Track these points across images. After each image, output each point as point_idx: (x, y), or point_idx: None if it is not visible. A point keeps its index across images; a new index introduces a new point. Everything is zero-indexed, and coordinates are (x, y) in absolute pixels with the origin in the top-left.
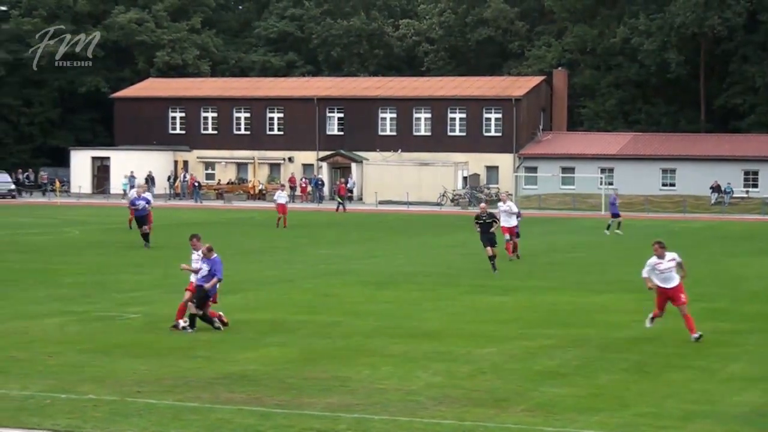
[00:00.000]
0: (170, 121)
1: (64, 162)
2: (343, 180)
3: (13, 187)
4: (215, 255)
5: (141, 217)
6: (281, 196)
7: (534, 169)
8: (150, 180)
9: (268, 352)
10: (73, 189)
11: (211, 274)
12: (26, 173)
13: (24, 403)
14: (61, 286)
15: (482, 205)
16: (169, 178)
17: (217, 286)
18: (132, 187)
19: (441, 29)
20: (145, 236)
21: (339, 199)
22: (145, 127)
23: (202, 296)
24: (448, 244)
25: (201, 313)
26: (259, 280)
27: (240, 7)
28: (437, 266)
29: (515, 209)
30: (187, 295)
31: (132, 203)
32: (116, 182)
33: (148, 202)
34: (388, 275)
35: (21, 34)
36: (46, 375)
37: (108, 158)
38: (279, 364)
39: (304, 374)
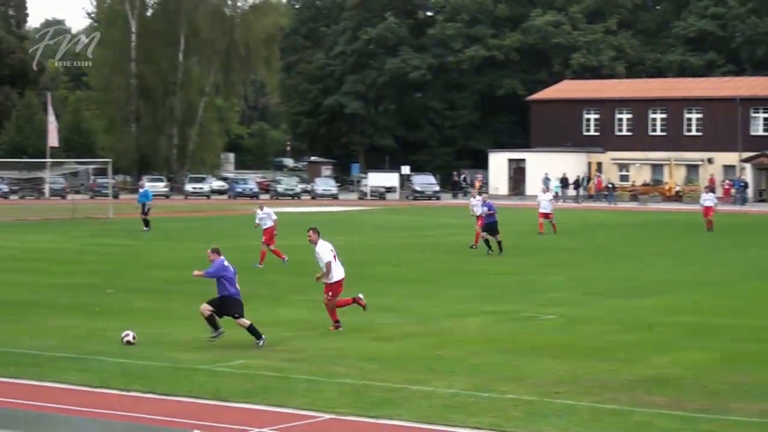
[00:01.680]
0: (584, 122)
1: (483, 164)
2: None
3: (438, 188)
4: (219, 258)
5: (490, 224)
6: (708, 199)
7: None
8: (564, 182)
9: (687, 356)
10: (491, 190)
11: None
12: (463, 175)
13: (449, 400)
14: (484, 286)
15: None
16: (580, 179)
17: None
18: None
19: None
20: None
21: None
22: (560, 129)
23: (229, 305)
24: None
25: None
26: (678, 282)
27: (657, 8)
28: None
29: None
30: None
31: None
32: (532, 184)
33: (490, 208)
34: None
35: (445, 39)
36: (469, 373)
37: (523, 160)
38: (700, 368)
39: (727, 379)
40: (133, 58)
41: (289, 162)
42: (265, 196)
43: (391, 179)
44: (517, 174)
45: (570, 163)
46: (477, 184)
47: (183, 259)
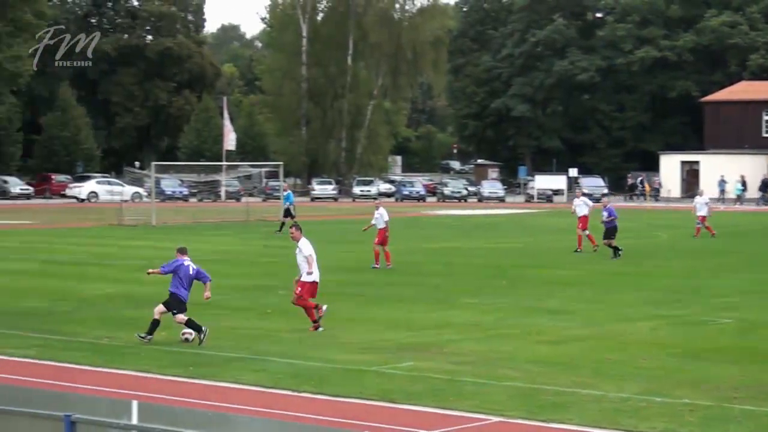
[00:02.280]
0: (764, 124)
1: (652, 166)
2: None
3: (606, 191)
4: (181, 257)
5: (609, 230)
6: None
7: None
8: (743, 184)
9: None
10: (663, 192)
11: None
12: (639, 177)
13: (620, 404)
14: (653, 289)
15: None
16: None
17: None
18: (722, 192)
19: None
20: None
21: None
22: (736, 131)
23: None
24: None
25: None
26: None
27: None
28: None
29: None
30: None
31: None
32: (706, 186)
33: (611, 213)
34: None
35: (615, 40)
36: (640, 378)
37: (697, 162)
38: None
39: None
40: (303, 62)
41: (455, 164)
42: (431, 199)
43: (558, 182)
44: (690, 176)
45: (748, 165)
46: (647, 186)
47: (349, 260)
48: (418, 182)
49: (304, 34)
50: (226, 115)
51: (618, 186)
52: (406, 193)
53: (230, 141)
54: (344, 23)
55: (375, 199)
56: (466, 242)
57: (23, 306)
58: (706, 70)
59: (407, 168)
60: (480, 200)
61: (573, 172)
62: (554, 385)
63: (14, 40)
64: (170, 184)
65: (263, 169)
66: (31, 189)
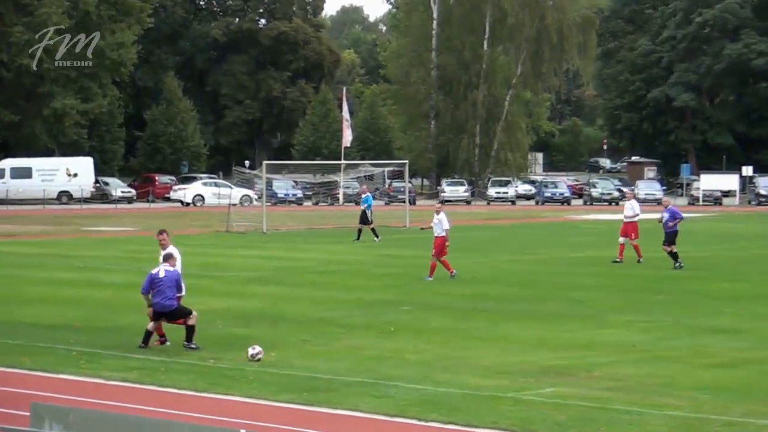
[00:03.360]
0: None
1: None
2: None
3: None
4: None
5: (670, 234)
6: None
7: None
8: None
9: None
10: None
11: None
12: None
13: None
14: None
15: None
16: None
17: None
18: None
19: None
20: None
21: None
22: None
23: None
24: None
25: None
26: None
27: None
28: None
29: None
30: None
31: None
32: None
33: (675, 215)
34: None
35: None
36: None
37: None
38: None
39: None
40: (433, 47)
41: (605, 162)
42: (577, 202)
43: (728, 181)
44: None
45: None
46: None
47: (482, 273)
48: (563, 183)
49: (435, 15)
50: (345, 107)
51: None
52: (549, 195)
53: (348, 137)
54: (480, 3)
55: (441, 203)
56: (616, 251)
57: (123, 322)
58: None
59: (550, 167)
60: None
61: (747, 170)
62: (724, 414)
63: (117, 26)
64: (283, 185)
65: (386, 169)
66: (133, 192)
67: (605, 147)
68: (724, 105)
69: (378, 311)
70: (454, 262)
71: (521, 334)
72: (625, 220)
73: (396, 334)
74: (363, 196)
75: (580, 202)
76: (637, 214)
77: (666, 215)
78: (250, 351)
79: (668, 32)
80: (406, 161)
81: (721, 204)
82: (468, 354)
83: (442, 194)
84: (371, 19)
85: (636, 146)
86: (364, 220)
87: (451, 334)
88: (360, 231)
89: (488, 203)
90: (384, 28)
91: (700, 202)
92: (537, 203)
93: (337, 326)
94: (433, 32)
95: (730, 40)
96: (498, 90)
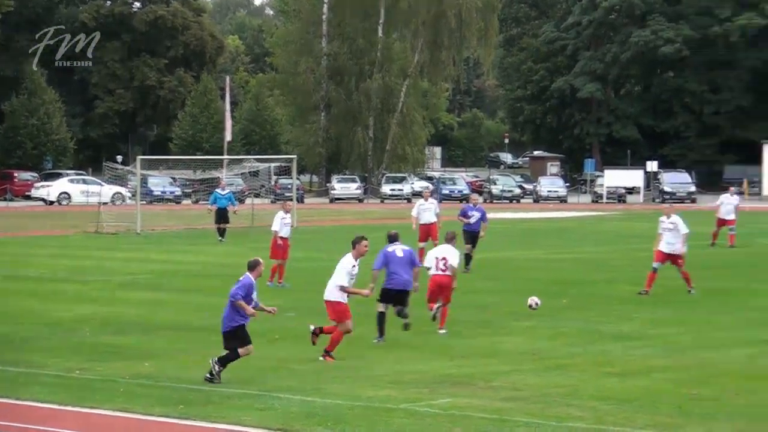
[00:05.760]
0: None
1: (753, 159)
2: None
3: (693, 189)
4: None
5: (468, 234)
6: None
7: None
8: None
9: None
10: (765, 191)
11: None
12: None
13: None
14: (751, 309)
15: None
16: None
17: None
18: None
19: None
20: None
21: None
22: None
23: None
24: None
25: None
26: None
27: None
28: None
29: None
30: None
31: (463, 214)
32: None
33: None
34: None
35: (708, 5)
36: (733, 417)
37: None
38: None
39: None
40: (324, 33)
41: (507, 158)
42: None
43: (633, 178)
44: None
45: None
46: (744, 184)
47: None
48: (461, 179)
49: None
50: (228, 98)
51: (709, 182)
52: (447, 192)
53: (229, 130)
54: None
55: (465, 200)
56: (518, 252)
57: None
58: None
59: (448, 162)
60: (536, 201)
61: (652, 166)
62: (627, 425)
63: None
64: (159, 182)
65: (273, 164)
66: None
67: (507, 141)
68: (630, 96)
69: (261, 318)
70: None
71: (417, 342)
72: (422, 222)
73: (281, 342)
74: (222, 191)
75: (480, 199)
76: (438, 213)
77: (477, 214)
78: None
79: (573, 18)
80: (294, 156)
81: (625, 202)
82: (360, 363)
83: (332, 192)
84: (257, 2)
85: (539, 140)
86: (222, 218)
87: (342, 343)
88: (224, 231)
89: (382, 201)
90: (271, 13)
91: (604, 200)
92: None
93: (216, 334)
94: (324, 17)
95: (638, 26)
96: (393, 80)
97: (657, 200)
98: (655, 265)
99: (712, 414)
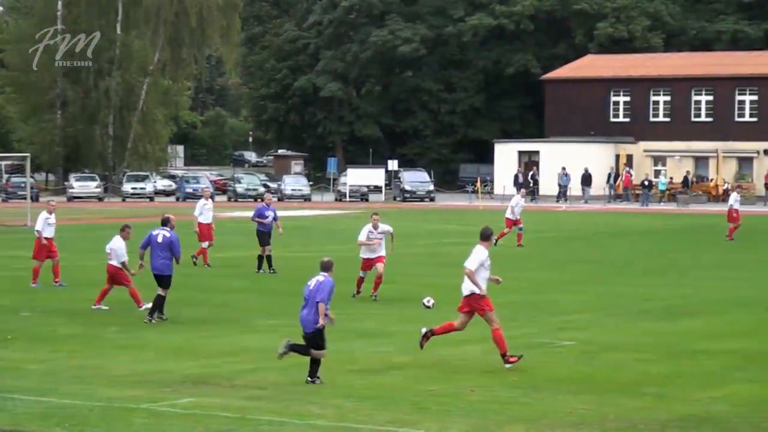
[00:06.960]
0: (612, 106)
1: (486, 157)
2: None
3: (432, 187)
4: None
5: (265, 234)
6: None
7: None
8: (586, 179)
9: (737, 390)
10: (497, 189)
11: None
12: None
13: None
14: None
15: None
16: (611, 174)
17: None
18: (564, 186)
19: None
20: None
21: None
22: (581, 115)
23: None
24: None
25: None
26: (726, 301)
27: None
28: None
29: None
30: None
31: (259, 214)
32: (546, 180)
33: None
34: None
35: (443, 6)
36: (468, 413)
37: (537, 152)
38: (752, 404)
39: None
40: (59, 30)
41: (251, 156)
42: (221, 198)
43: (375, 176)
44: (528, 169)
45: (594, 156)
46: (478, 182)
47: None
48: (205, 178)
49: None
50: None
51: (445, 181)
52: (190, 191)
53: None
54: None
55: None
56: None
57: None
58: (548, 42)
59: (192, 161)
60: (281, 199)
61: (393, 164)
62: (368, 422)
63: None
64: None
65: (4, 162)
66: None
67: (251, 140)
68: (370, 95)
69: None
70: (88, 263)
71: (159, 341)
72: (203, 221)
73: (15, 342)
74: None
75: (224, 198)
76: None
77: (272, 214)
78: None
79: (314, 17)
80: (28, 154)
81: (367, 200)
82: (99, 363)
83: (71, 190)
84: None
85: (283, 139)
86: None
87: (81, 342)
88: None
89: (124, 200)
90: (1, 8)
91: (347, 198)
92: (178, 199)
93: None
94: (59, 13)
95: (377, 26)
96: (133, 77)
97: (398, 198)
98: (362, 274)
99: (448, 410)
